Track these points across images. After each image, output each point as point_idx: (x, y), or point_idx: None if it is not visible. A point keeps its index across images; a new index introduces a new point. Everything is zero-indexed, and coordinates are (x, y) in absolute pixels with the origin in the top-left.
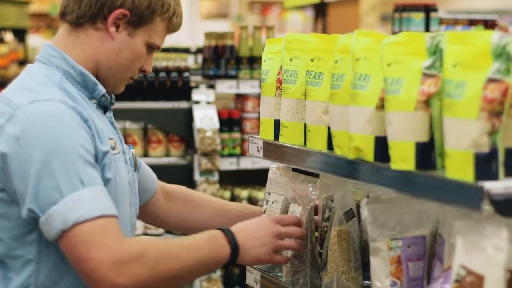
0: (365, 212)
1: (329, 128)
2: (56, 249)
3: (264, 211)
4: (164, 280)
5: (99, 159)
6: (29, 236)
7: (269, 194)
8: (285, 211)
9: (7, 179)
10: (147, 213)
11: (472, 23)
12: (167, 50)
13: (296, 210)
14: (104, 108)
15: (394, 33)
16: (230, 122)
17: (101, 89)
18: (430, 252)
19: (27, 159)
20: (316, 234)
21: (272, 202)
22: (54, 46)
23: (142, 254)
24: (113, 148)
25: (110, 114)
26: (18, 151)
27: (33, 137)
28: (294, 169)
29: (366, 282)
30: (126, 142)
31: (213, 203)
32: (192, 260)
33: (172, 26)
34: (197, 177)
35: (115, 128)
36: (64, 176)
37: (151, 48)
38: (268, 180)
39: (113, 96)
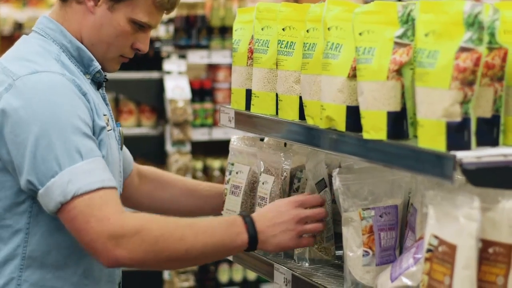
0: (337, 182)
1: (300, 97)
2: (45, 221)
3: (227, 182)
4: (165, 260)
5: (96, 133)
6: (20, 207)
7: (232, 164)
8: (251, 181)
9: (2, 148)
10: (121, 194)
11: None
12: None
13: (268, 181)
14: (97, 84)
15: (366, 2)
16: (202, 92)
17: (97, 65)
18: (402, 222)
19: (26, 130)
20: None
21: (237, 173)
22: (51, 18)
23: (140, 230)
24: (106, 125)
25: (102, 90)
26: (16, 121)
27: (33, 109)
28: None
29: (338, 252)
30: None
31: (184, 183)
32: (200, 244)
33: (160, 2)
34: (169, 147)
35: (107, 104)
36: (62, 148)
37: (141, 26)
38: (230, 150)
39: (102, 72)
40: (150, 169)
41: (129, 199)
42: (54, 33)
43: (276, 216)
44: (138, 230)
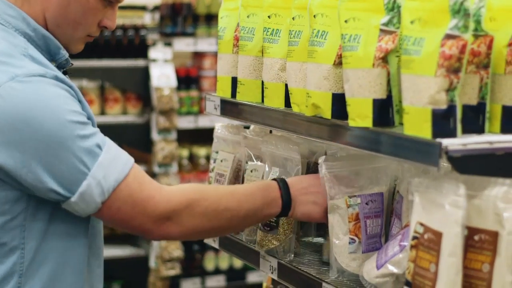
0: (323, 170)
1: (286, 85)
2: (38, 232)
3: (212, 170)
4: (211, 229)
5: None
6: (14, 221)
7: (217, 152)
8: (236, 169)
9: None
10: None
11: None
12: (124, 7)
13: (258, 168)
14: (62, 70)
15: None
16: (187, 80)
17: (64, 53)
18: (388, 210)
19: (27, 141)
20: None
21: (221, 161)
22: (9, 1)
23: (188, 204)
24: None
25: (67, 76)
26: (14, 138)
27: (29, 118)
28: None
29: (319, 239)
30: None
31: None
32: (243, 211)
33: None
34: (154, 135)
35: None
36: (80, 148)
37: (109, 1)
38: (214, 138)
39: (69, 59)
40: None
41: None
42: (16, 21)
43: (311, 185)
44: (186, 204)
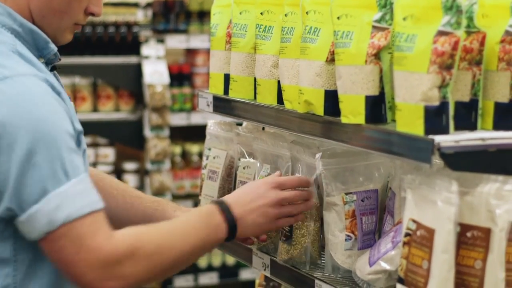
0: (320, 167)
1: (279, 82)
2: (29, 244)
3: (204, 167)
4: (159, 273)
5: (75, 139)
6: (4, 233)
7: (209, 149)
8: (229, 166)
9: None
10: None
11: None
12: (117, 4)
13: (251, 166)
14: (51, 65)
15: None
16: (180, 77)
17: (53, 48)
18: (381, 206)
19: (7, 150)
20: None
21: (214, 158)
22: None
23: (134, 251)
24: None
25: (55, 72)
26: None
27: (13, 125)
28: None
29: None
30: (75, 98)
31: (123, 194)
32: (189, 246)
33: None
34: (147, 132)
35: (61, 86)
36: (48, 169)
37: None
38: (207, 135)
39: (58, 54)
40: (92, 173)
41: None
42: (2, 17)
43: (254, 198)
44: (131, 250)
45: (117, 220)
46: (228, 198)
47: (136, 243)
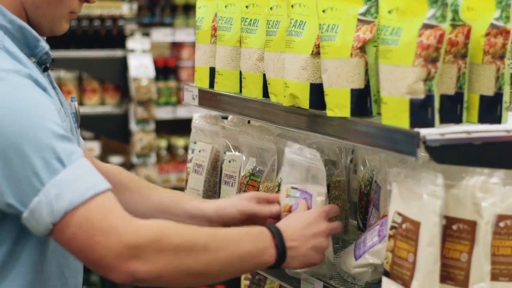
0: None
1: (264, 75)
2: (30, 246)
3: (190, 160)
4: (185, 273)
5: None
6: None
7: (195, 143)
8: (214, 159)
9: None
10: None
11: None
12: None
13: (236, 159)
14: (43, 66)
15: None
16: (166, 70)
17: (44, 46)
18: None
19: None
20: None
21: (199, 151)
22: None
23: (158, 239)
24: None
25: (48, 73)
26: None
27: None
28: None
29: None
30: (61, 92)
31: (139, 188)
32: (225, 254)
33: None
34: (133, 126)
35: (54, 88)
36: (40, 160)
37: None
38: (192, 129)
39: (50, 53)
40: (110, 169)
41: None
42: None
43: (306, 228)
44: (155, 238)
45: (134, 212)
46: (280, 226)
47: (161, 230)
